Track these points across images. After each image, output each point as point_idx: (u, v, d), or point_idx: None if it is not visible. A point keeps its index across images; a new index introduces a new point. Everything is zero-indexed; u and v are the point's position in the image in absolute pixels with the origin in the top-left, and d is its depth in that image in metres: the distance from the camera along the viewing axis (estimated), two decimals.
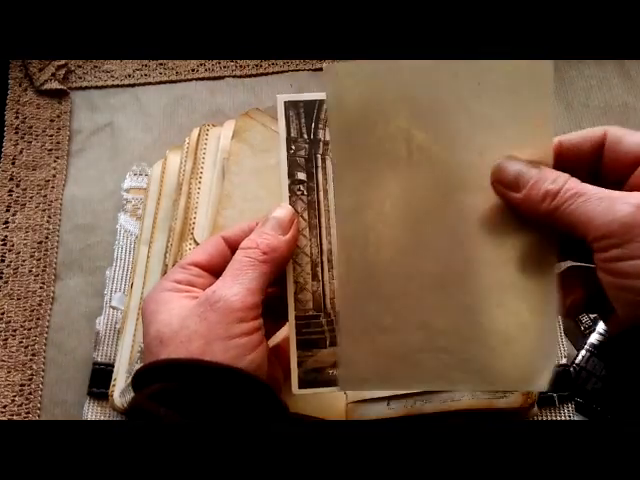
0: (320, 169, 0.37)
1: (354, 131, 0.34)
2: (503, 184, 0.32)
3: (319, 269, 0.36)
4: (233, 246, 0.36)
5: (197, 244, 0.43)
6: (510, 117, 0.34)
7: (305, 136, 0.37)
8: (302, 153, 0.37)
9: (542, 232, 0.33)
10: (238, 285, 0.33)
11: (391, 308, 0.33)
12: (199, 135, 0.47)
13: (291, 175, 0.37)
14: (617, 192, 0.30)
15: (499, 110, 0.34)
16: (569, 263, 0.35)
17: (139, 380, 0.33)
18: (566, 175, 0.31)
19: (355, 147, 0.34)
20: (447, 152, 0.34)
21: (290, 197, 0.37)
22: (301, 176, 0.37)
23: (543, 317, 0.33)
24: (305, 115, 0.37)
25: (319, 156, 0.37)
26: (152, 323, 0.34)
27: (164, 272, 0.44)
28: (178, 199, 0.46)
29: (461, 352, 0.33)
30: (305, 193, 0.37)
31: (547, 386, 0.32)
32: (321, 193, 0.37)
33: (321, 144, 0.37)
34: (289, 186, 0.37)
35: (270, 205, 0.37)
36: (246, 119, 0.46)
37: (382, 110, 0.34)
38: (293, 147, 0.37)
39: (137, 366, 0.42)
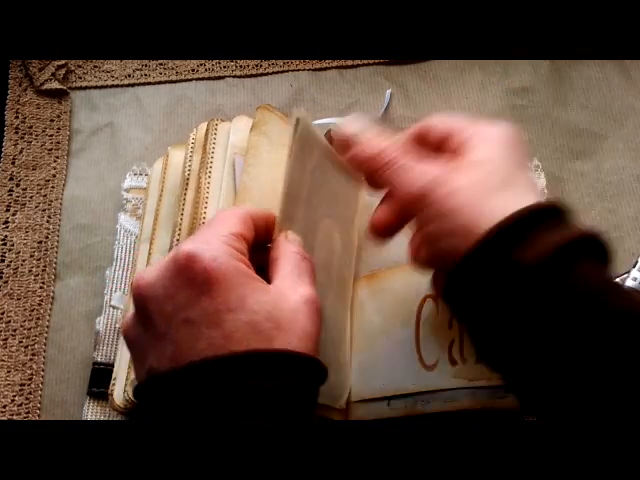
0: None
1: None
2: (338, 143, 0.37)
3: None
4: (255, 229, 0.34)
5: None
6: None
7: None
8: None
9: None
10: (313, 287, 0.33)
11: None
12: (208, 129, 0.46)
13: None
14: (427, 166, 0.34)
15: None
16: None
17: (259, 360, 0.29)
18: (389, 141, 0.35)
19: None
20: None
21: None
22: None
23: None
24: None
25: None
26: (249, 297, 0.30)
27: None
28: (184, 194, 0.46)
29: None
30: None
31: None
32: None
33: None
34: None
35: None
36: (265, 112, 0.46)
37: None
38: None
39: None
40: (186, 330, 0.29)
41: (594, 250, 0.31)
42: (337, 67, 0.58)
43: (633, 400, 0.28)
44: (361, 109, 0.57)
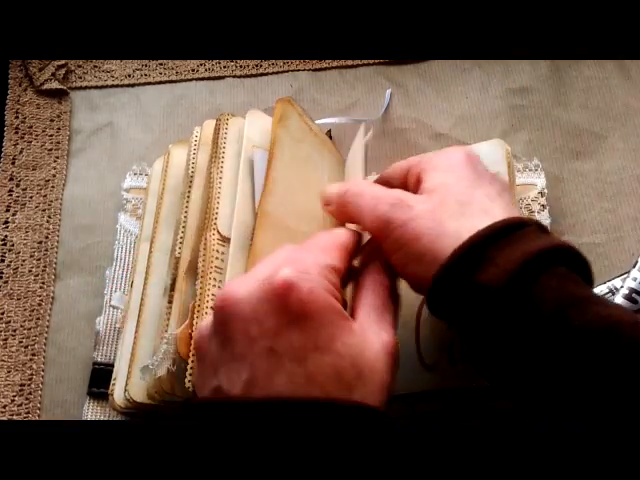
0: None
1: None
2: (325, 203, 0.37)
3: None
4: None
5: (220, 235, 0.41)
6: None
7: None
8: None
9: None
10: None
11: None
12: (219, 124, 0.45)
13: None
14: (383, 192, 0.34)
15: None
16: None
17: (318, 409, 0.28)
18: (356, 182, 0.37)
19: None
20: None
21: None
22: None
23: None
24: None
25: None
26: (338, 338, 0.29)
27: (175, 266, 0.43)
28: (188, 192, 0.45)
29: None
30: None
31: None
32: None
33: None
34: None
35: (309, 201, 0.41)
36: (287, 106, 0.45)
37: None
38: None
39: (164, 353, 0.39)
40: (268, 359, 0.28)
41: (563, 259, 0.31)
42: (337, 67, 0.58)
43: (593, 414, 0.28)
44: (361, 109, 0.57)
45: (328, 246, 0.33)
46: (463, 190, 0.33)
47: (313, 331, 0.28)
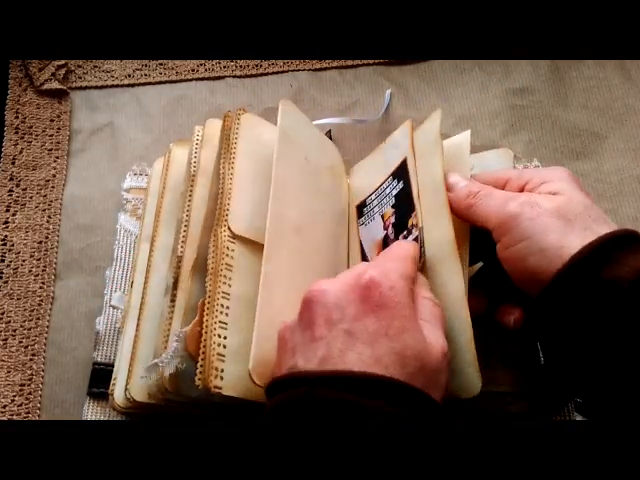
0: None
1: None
2: (446, 188, 0.39)
3: None
4: None
5: (231, 232, 0.41)
6: None
7: None
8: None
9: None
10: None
11: None
12: (229, 121, 0.45)
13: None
14: (513, 193, 0.37)
15: None
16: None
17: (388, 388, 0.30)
18: (482, 186, 0.39)
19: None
20: None
21: None
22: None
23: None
24: None
25: None
26: (409, 331, 0.32)
27: (177, 264, 0.43)
28: (190, 190, 0.45)
29: None
30: None
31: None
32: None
33: None
34: None
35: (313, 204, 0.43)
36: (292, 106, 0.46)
37: None
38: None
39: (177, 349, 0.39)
40: (343, 339, 0.31)
41: None
42: (337, 67, 0.58)
43: None
44: (361, 109, 0.57)
45: (402, 256, 0.36)
46: (582, 196, 0.36)
47: (388, 320, 0.31)
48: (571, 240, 0.33)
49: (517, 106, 0.56)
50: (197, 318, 0.39)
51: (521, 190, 0.38)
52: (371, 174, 0.47)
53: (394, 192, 0.43)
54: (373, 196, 0.45)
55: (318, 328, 0.32)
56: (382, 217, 0.44)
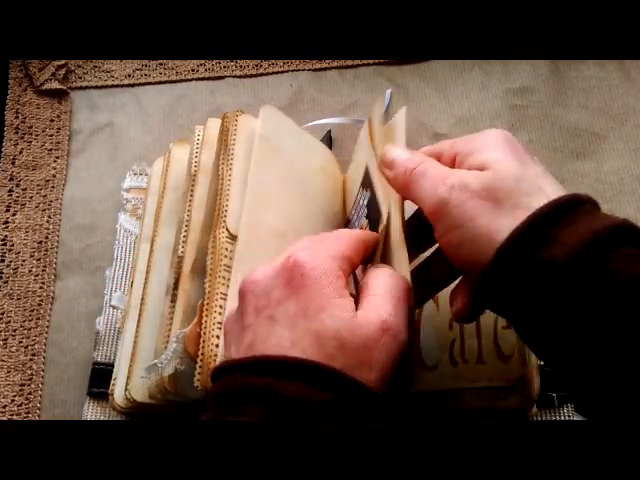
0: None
1: None
2: (384, 164, 0.37)
3: None
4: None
5: (229, 233, 0.41)
6: None
7: None
8: None
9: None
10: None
11: None
12: (228, 122, 0.45)
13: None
14: (444, 172, 0.34)
15: None
16: None
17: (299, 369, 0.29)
18: (423, 157, 0.35)
19: None
20: None
21: None
22: None
23: None
24: None
25: None
26: (326, 310, 0.30)
27: (178, 265, 0.43)
28: (191, 190, 0.45)
29: None
30: None
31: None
32: None
33: None
34: None
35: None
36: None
37: None
38: None
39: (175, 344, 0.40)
40: (267, 325, 0.31)
41: (627, 237, 0.30)
42: (337, 67, 0.58)
43: None
44: (361, 109, 0.57)
45: (342, 238, 0.34)
46: (513, 166, 0.33)
47: (307, 301, 0.30)
48: (502, 223, 0.31)
49: (517, 106, 0.56)
50: (196, 319, 0.39)
51: (453, 163, 0.35)
52: (355, 179, 0.46)
53: (365, 202, 0.42)
54: (353, 210, 0.45)
55: (247, 317, 0.32)
56: (361, 229, 0.43)
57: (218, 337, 0.38)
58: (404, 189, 0.36)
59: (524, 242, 0.30)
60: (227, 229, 0.41)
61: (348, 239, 0.34)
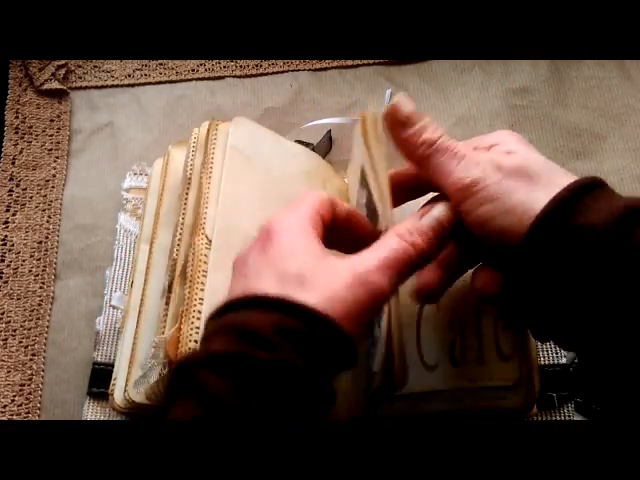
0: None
1: None
2: (395, 120, 0.36)
3: None
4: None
5: (209, 240, 0.42)
6: None
7: None
8: None
9: None
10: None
11: None
12: (209, 129, 0.46)
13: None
14: (472, 153, 0.35)
15: None
16: None
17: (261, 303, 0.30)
18: (443, 130, 0.36)
19: None
20: None
21: None
22: None
23: None
24: None
25: None
26: (291, 256, 0.31)
27: (172, 267, 0.43)
28: (185, 193, 0.45)
29: None
30: None
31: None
32: None
33: None
34: None
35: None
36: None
37: None
38: None
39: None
40: (241, 284, 0.32)
41: None
42: (337, 67, 0.58)
43: None
44: (361, 109, 0.57)
45: (310, 197, 0.34)
46: (537, 153, 0.36)
47: (273, 251, 0.32)
48: (537, 196, 0.33)
49: (517, 106, 0.56)
50: (177, 324, 0.39)
51: None
52: (355, 179, 0.46)
53: (364, 201, 0.42)
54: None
55: (231, 287, 0.33)
56: None
57: (196, 342, 0.38)
58: (418, 160, 0.36)
59: (563, 209, 0.32)
60: (206, 235, 0.42)
61: (316, 198, 0.34)
